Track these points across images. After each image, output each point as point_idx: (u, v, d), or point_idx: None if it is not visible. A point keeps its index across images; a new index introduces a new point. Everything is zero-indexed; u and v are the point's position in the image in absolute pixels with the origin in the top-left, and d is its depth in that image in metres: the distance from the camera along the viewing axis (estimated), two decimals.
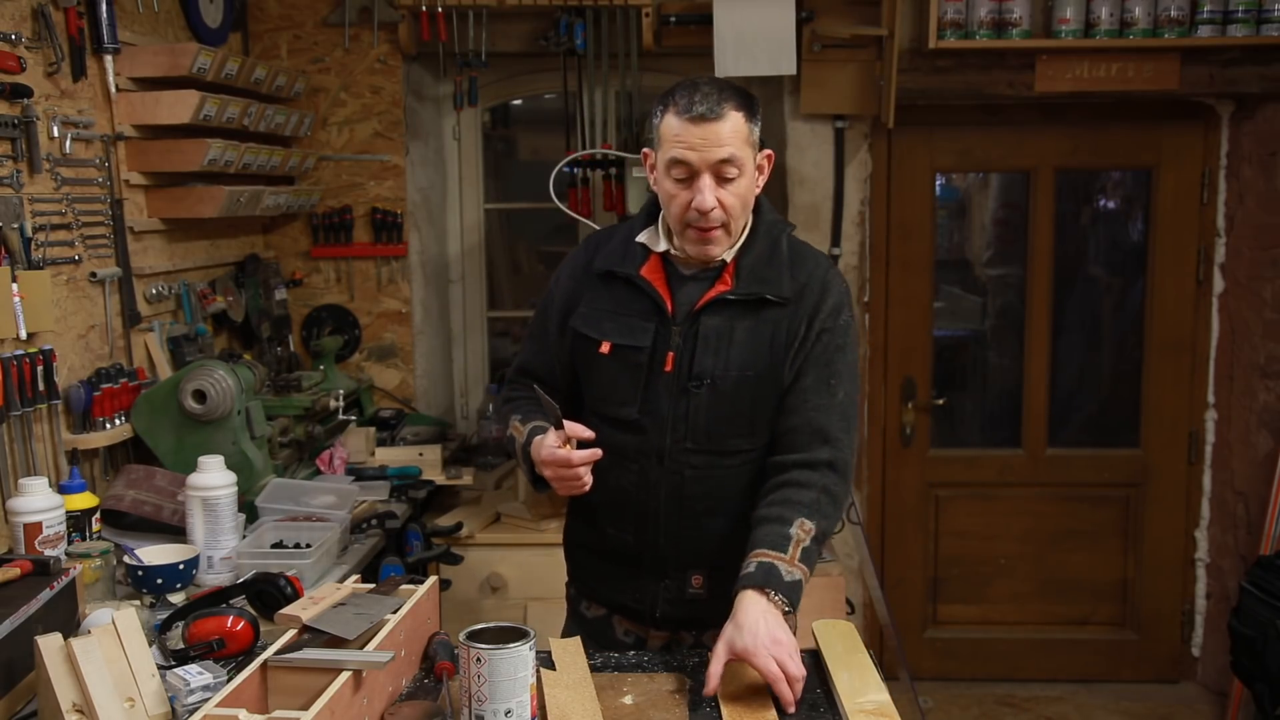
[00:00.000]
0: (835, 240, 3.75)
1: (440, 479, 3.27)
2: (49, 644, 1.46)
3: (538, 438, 1.87)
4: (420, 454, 3.28)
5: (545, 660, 1.76)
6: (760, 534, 1.75)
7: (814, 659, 1.77)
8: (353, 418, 3.35)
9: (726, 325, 1.85)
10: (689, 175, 1.78)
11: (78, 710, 1.45)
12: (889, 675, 1.98)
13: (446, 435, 3.58)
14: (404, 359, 3.78)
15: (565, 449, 1.79)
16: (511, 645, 1.45)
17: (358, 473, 3.13)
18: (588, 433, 1.81)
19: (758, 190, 1.87)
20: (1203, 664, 4.03)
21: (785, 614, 1.67)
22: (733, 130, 1.76)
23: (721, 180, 1.78)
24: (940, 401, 4.00)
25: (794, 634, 1.67)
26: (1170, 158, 3.86)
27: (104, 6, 2.62)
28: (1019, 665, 4.05)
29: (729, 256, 1.87)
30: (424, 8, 3.49)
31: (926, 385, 3.99)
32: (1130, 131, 3.84)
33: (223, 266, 3.36)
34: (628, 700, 1.64)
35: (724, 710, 1.61)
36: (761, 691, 1.65)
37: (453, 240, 4.02)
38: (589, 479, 1.82)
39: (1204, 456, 3.97)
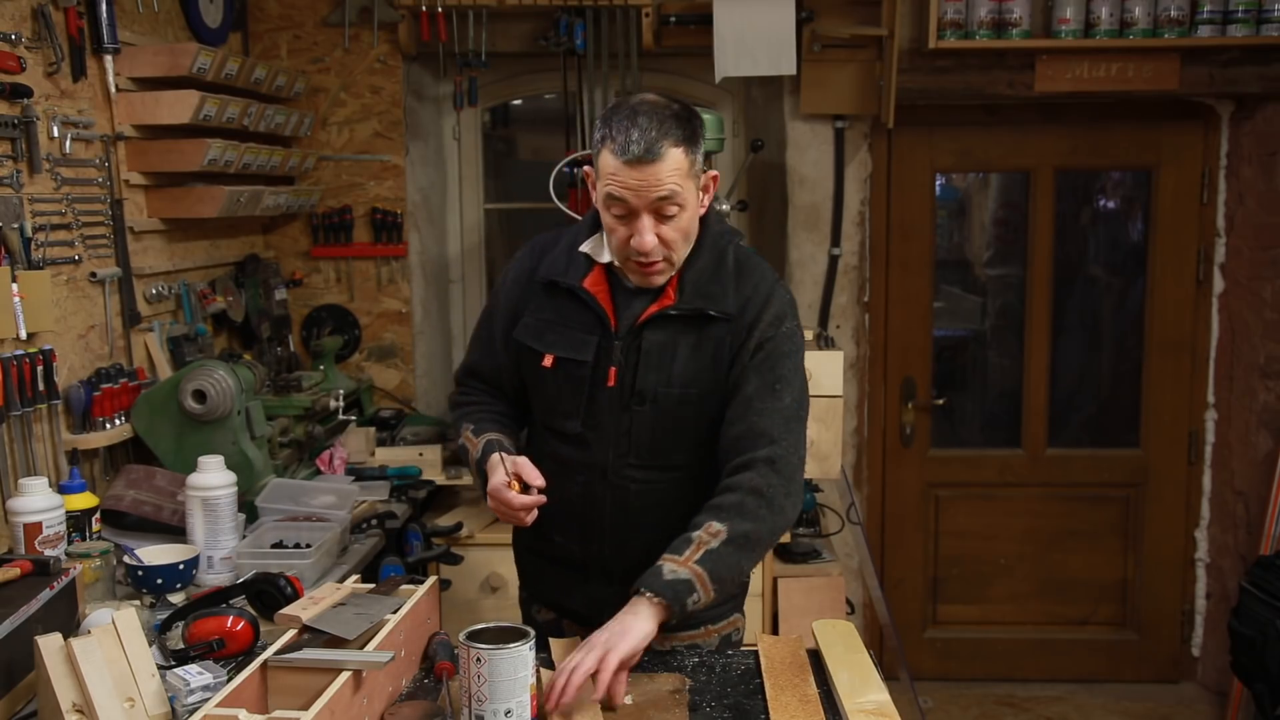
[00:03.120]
0: (835, 240, 3.75)
1: (440, 479, 3.27)
2: (49, 644, 1.46)
3: (492, 457, 1.84)
4: (420, 454, 3.28)
5: (546, 661, 1.77)
6: (673, 543, 1.75)
7: (814, 659, 1.77)
8: (353, 418, 3.35)
9: (670, 341, 1.82)
10: (627, 213, 1.74)
11: (78, 710, 1.45)
12: (889, 675, 1.98)
13: (446, 435, 3.58)
14: (404, 359, 3.78)
15: (512, 489, 1.78)
16: (511, 645, 1.45)
17: (358, 473, 3.13)
18: (537, 479, 1.80)
19: (703, 210, 1.83)
20: (1203, 664, 4.03)
21: (667, 607, 1.65)
22: (672, 168, 1.71)
23: (662, 217, 1.75)
24: (940, 401, 4.00)
25: (674, 622, 1.69)
26: (1170, 158, 3.86)
27: (104, 6, 2.62)
28: (1019, 665, 4.06)
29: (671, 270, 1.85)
30: (424, 8, 3.49)
31: (926, 385, 3.99)
32: (1130, 131, 3.84)
33: (223, 266, 3.36)
34: (628, 700, 1.64)
35: (767, 683, 1.67)
36: (804, 668, 1.72)
37: (453, 240, 4.02)
38: (532, 518, 1.81)
39: (1204, 456, 3.98)
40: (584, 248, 1.89)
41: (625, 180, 1.71)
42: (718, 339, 1.83)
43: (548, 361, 1.87)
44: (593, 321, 1.85)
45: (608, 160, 1.73)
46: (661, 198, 1.72)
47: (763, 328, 1.82)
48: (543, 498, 1.80)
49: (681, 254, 1.81)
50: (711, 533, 1.70)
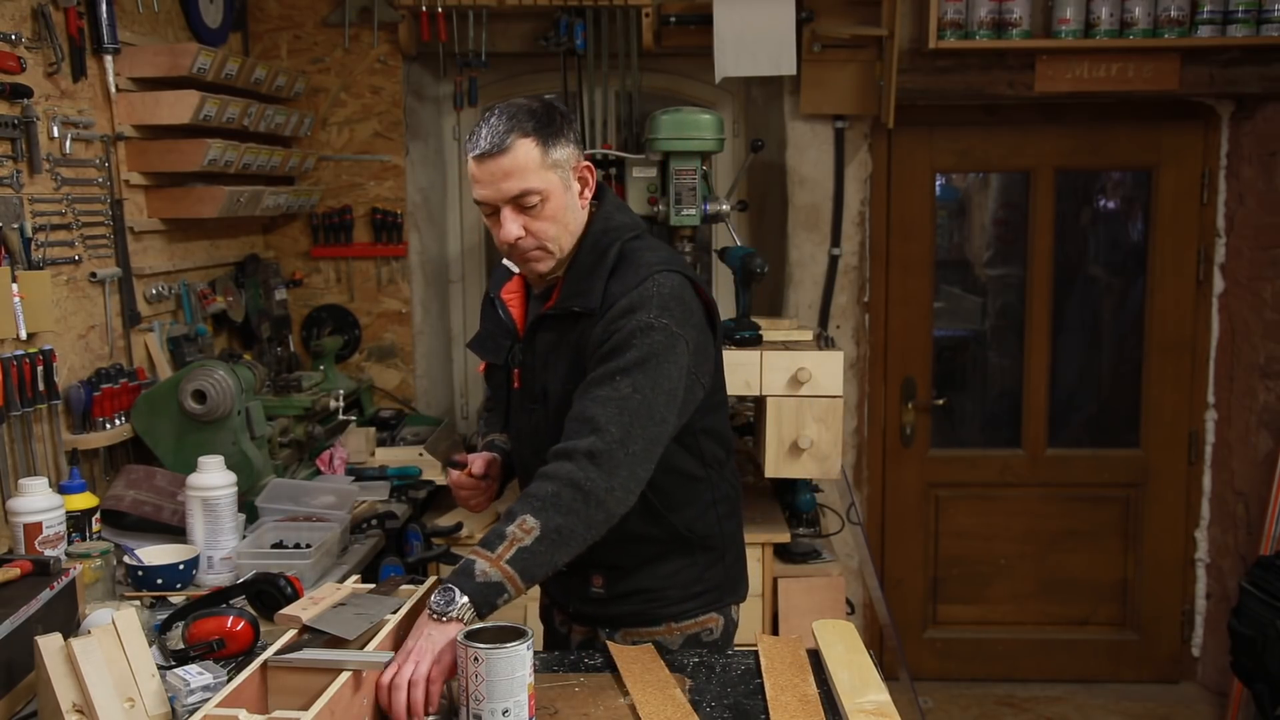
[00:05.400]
0: (835, 240, 3.75)
1: (440, 479, 3.27)
2: (49, 644, 1.46)
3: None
4: (420, 454, 3.28)
5: (546, 661, 1.77)
6: (490, 528, 1.71)
7: (814, 659, 1.78)
8: (353, 418, 3.35)
9: (557, 341, 1.85)
10: (493, 210, 1.79)
11: (78, 710, 1.45)
12: (889, 675, 1.98)
13: None
14: (404, 359, 3.78)
15: (462, 475, 1.99)
16: (509, 645, 1.45)
17: (358, 473, 3.13)
18: (474, 467, 1.99)
19: (584, 201, 1.85)
20: (1203, 664, 4.03)
21: (475, 609, 1.59)
22: (522, 160, 1.75)
23: (522, 209, 1.77)
24: (940, 401, 4.00)
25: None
26: (1170, 158, 3.86)
27: (104, 6, 2.62)
28: (1019, 665, 4.06)
29: (561, 271, 1.86)
30: (424, 8, 3.49)
31: (926, 385, 3.99)
32: (1130, 131, 3.84)
33: (223, 266, 3.36)
34: (628, 700, 1.64)
35: (767, 683, 1.68)
36: (804, 668, 1.72)
37: (453, 240, 4.02)
38: (475, 501, 2.01)
39: (1204, 456, 3.98)
40: (505, 261, 1.97)
41: (481, 177, 1.77)
42: (588, 336, 1.81)
43: (481, 368, 2.06)
44: (508, 328, 1.95)
45: (470, 164, 1.79)
46: (514, 188, 1.75)
47: (610, 318, 1.77)
48: (463, 482, 1.98)
49: (559, 240, 1.81)
50: (525, 529, 1.62)
